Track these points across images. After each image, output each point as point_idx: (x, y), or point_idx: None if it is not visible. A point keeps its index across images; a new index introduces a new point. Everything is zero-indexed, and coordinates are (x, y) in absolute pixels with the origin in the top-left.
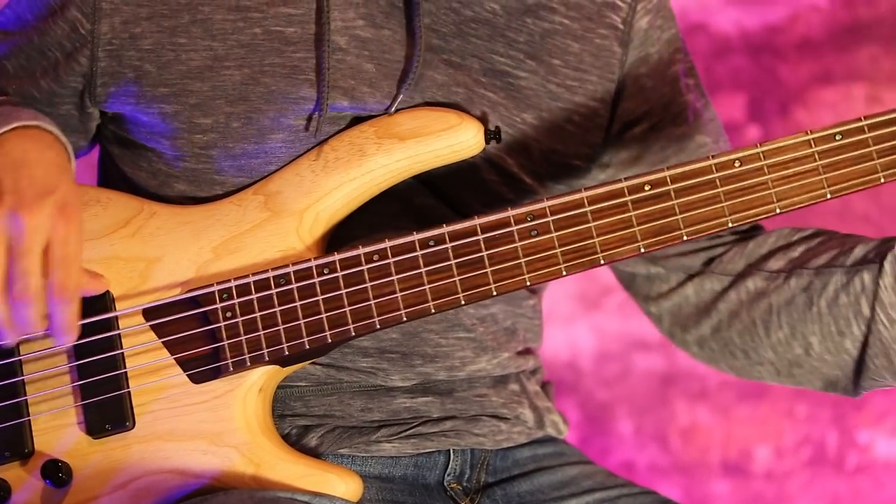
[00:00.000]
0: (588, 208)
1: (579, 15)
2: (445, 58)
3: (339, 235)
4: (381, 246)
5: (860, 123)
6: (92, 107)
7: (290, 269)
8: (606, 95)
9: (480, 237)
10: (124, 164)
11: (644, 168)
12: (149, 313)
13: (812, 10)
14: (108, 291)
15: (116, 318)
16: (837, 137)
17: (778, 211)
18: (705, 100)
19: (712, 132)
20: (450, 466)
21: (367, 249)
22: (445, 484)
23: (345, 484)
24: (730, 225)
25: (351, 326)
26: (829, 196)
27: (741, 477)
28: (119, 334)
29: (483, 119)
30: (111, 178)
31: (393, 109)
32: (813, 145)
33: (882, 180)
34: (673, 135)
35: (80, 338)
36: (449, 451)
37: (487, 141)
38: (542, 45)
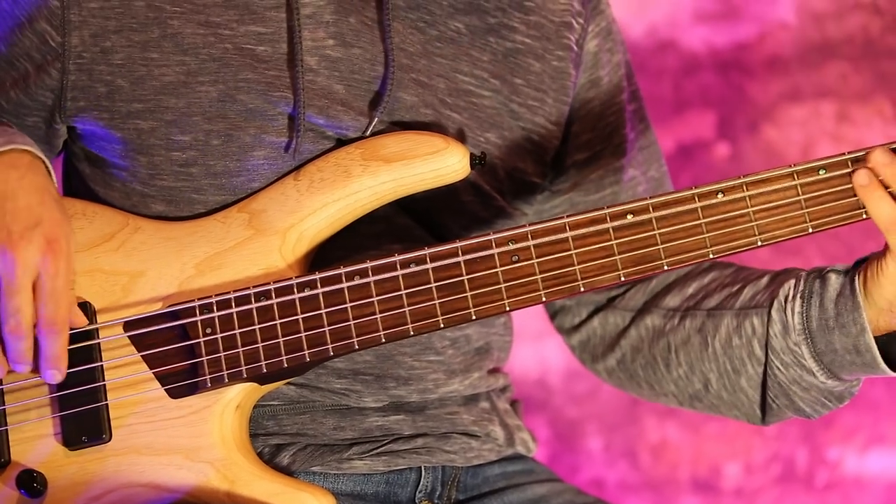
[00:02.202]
0: (569, 234)
1: (539, 34)
2: (414, 77)
3: (321, 255)
4: (363, 266)
5: (844, 157)
6: (60, 123)
7: (272, 286)
8: (561, 118)
9: (461, 260)
10: (96, 184)
11: (580, 195)
12: (129, 326)
13: (781, 27)
14: (89, 304)
15: (97, 330)
16: (821, 172)
17: (759, 244)
18: (645, 123)
19: (642, 164)
20: (421, 483)
21: (349, 269)
22: (417, 501)
23: (318, 501)
24: (711, 256)
25: (330, 346)
26: (810, 230)
27: (711, 493)
28: (99, 346)
29: (462, 139)
30: (80, 197)
31: (368, 133)
32: (796, 178)
33: (864, 216)
34: (612, 166)
35: None
36: (420, 468)
37: (473, 166)
38: (505, 63)
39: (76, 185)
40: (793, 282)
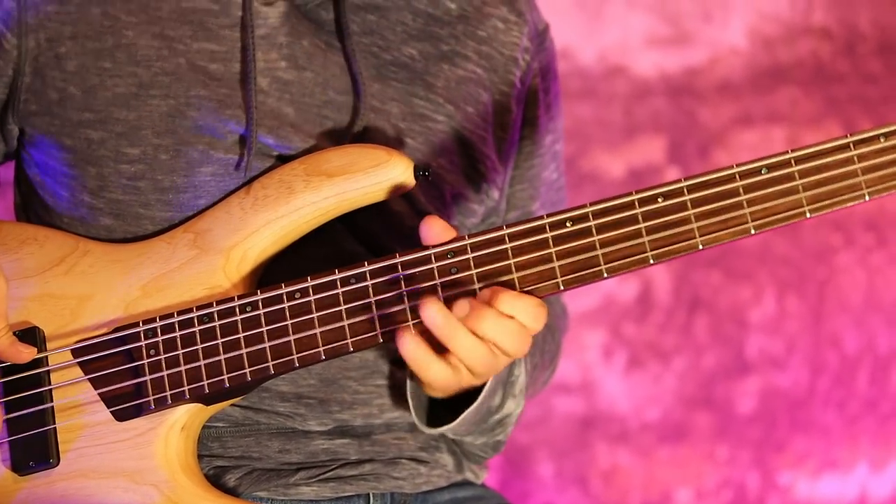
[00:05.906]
0: (508, 245)
1: (489, 66)
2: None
3: (269, 279)
4: (304, 285)
5: (787, 157)
6: (13, 124)
7: (214, 308)
8: (500, 153)
9: (401, 274)
10: (45, 193)
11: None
12: (77, 352)
13: (731, 52)
14: (39, 329)
15: (46, 357)
16: (763, 171)
17: (700, 247)
18: (562, 167)
19: (549, 205)
20: None
21: (290, 289)
22: None
23: None
24: (651, 262)
25: (270, 364)
26: (753, 231)
27: None
28: (48, 371)
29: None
30: (30, 205)
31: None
32: (738, 179)
33: (808, 215)
34: (525, 207)
35: (9, 374)
36: (368, 494)
37: (417, 178)
38: (457, 90)
39: (26, 191)
40: None
